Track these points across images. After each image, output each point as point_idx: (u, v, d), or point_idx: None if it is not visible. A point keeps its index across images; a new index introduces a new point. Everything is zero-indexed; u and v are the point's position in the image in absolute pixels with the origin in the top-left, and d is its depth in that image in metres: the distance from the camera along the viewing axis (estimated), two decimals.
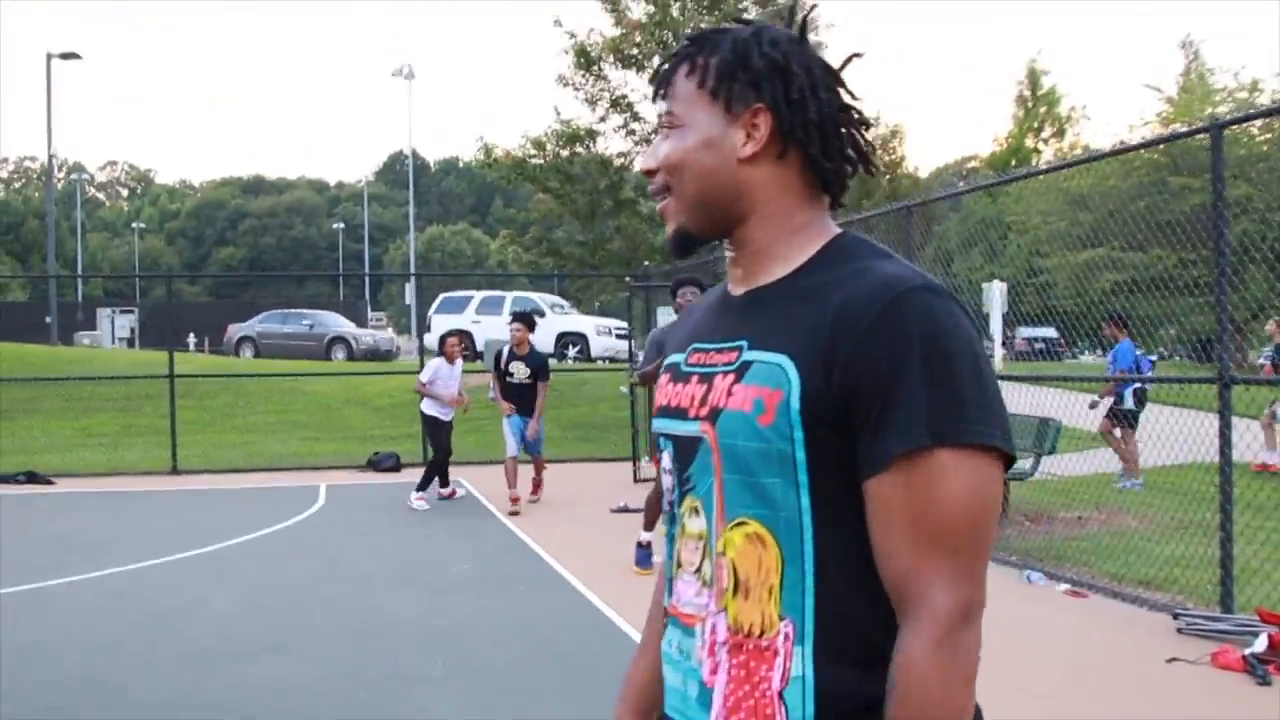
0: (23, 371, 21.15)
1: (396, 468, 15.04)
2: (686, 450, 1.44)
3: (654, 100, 1.50)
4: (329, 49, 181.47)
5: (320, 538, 10.28)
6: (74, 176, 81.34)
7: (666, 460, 1.50)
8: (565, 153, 24.62)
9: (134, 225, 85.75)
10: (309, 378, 21.43)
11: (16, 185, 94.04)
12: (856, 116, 1.46)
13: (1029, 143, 46.96)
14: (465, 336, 16.70)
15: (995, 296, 21.50)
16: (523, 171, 24.61)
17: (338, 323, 31.41)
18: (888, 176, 41.89)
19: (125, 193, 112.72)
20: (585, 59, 24.01)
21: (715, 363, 1.43)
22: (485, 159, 25.34)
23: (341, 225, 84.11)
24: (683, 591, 1.46)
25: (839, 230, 1.45)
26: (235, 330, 30.43)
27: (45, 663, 6.09)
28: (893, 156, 43.61)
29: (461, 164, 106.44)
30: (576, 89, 24.47)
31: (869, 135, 1.47)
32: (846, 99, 1.46)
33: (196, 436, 16.97)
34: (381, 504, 12.15)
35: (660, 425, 1.51)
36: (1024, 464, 10.24)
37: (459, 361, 12.02)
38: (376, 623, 6.87)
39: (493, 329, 23.62)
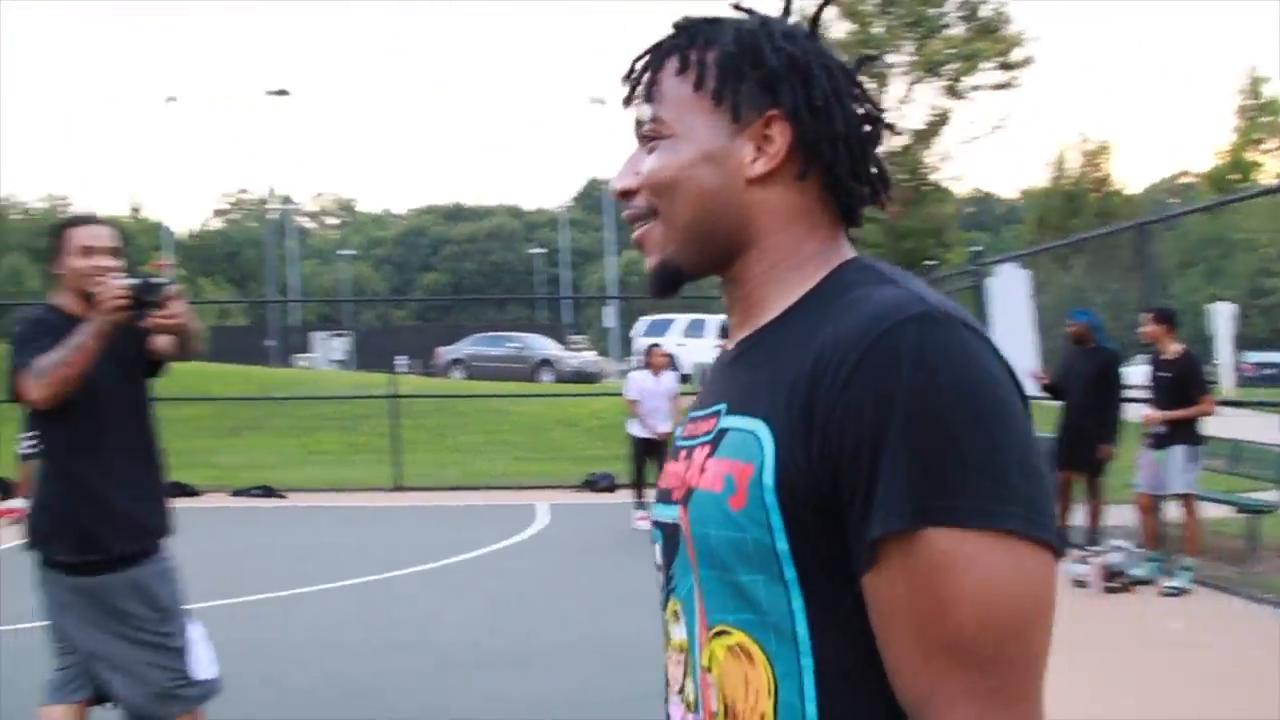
0: (252, 391, 22.27)
1: (612, 488, 15.19)
2: (670, 541, 1.20)
3: (626, 104, 1.23)
4: (523, 78, 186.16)
5: (547, 555, 10.46)
6: (285, 206, 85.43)
7: (657, 553, 1.26)
8: None
9: (341, 252, 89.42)
10: (517, 399, 21.90)
11: (235, 216, 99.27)
12: (879, 130, 1.20)
13: (1248, 155, 44.89)
14: (670, 359, 16.64)
15: (1222, 319, 20.46)
16: None
17: (544, 345, 31.83)
18: (1095, 194, 40.68)
19: (336, 222, 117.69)
20: None
21: (698, 433, 1.18)
22: None
23: (541, 250, 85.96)
24: (673, 715, 1.22)
25: (849, 256, 1.17)
26: (445, 352, 31.16)
27: (301, 666, 6.37)
28: (1099, 173, 42.33)
29: None
30: None
31: (881, 150, 1.21)
32: (868, 109, 1.19)
33: (414, 455, 17.50)
34: (603, 523, 12.27)
35: (654, 511, 1.28)
36: (1270, 496, 9.70)
37: (667, 374, 11.62)
38: (617, 641, 6.91)
39: (698, 352, 23.64)
